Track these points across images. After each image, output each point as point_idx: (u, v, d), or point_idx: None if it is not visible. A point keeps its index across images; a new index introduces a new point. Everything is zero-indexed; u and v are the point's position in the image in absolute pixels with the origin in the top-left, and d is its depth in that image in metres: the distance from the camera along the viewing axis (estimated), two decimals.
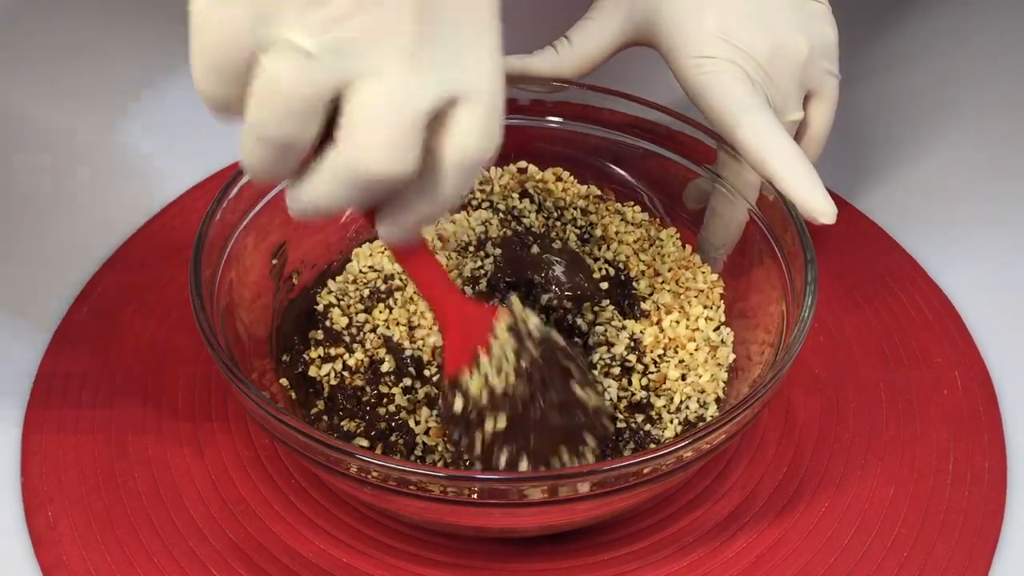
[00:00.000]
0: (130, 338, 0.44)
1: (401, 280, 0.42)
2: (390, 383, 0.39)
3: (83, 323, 0.45)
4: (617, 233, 0.44)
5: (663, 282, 0.42)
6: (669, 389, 0.39)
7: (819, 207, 0.38)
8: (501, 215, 0.44)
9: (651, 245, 0.44)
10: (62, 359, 0.43)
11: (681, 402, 0.39)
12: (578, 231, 0.44)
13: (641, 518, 0.38)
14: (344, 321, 0.40)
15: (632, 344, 0.40)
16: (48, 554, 0.37)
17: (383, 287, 0.41)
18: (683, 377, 0.39)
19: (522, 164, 0.46)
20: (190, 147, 0.54)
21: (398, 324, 0.40)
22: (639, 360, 0.39)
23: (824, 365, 0.44)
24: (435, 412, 0.38)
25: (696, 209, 0.44)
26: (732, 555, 0.37)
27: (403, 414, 0.38)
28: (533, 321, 0.34)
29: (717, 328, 0.41)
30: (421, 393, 0.38)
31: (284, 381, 0.39)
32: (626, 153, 0.45)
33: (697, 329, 0.41)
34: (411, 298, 0.41)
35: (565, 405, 0.34)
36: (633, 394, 0.39)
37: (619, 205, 0.45)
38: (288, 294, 0.42)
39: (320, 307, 0.41)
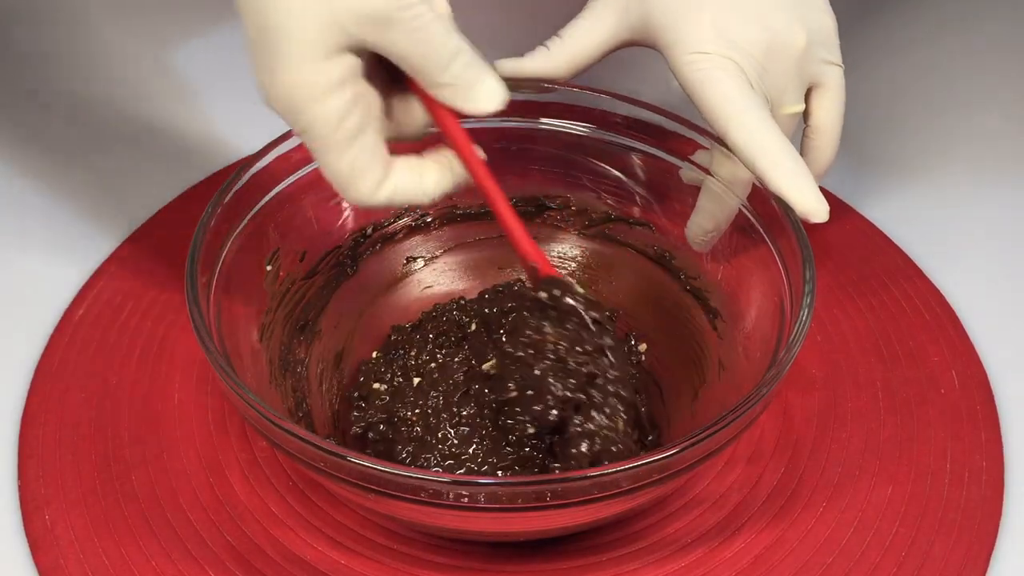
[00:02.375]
0: (126, 339, 0.44)
1: None
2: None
3: (80, 324, 0.45)
4: None
5: None
6: None
7: (809, 205, 0.38)
8: None
9: None
10: (59, 361, 0.43)
11: None
12: None
13: (640, 518, 0.38)
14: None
15: None
16: (46, 557, 0.37)
17: None
18: None
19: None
20: (187, 149, 0.54)
21: None
22: None
23: (821, 365, 0.44)
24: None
25: (691, 187, 0.43)
26: (731, 555, 0.37)
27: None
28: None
29: None
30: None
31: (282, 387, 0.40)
32: (618, 152, 0.44)
33: None
34: None
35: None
36: None
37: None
38: (283, 299, 0.42)
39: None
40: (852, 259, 0.49)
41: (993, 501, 0.39)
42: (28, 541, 0.37)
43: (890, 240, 0.50)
